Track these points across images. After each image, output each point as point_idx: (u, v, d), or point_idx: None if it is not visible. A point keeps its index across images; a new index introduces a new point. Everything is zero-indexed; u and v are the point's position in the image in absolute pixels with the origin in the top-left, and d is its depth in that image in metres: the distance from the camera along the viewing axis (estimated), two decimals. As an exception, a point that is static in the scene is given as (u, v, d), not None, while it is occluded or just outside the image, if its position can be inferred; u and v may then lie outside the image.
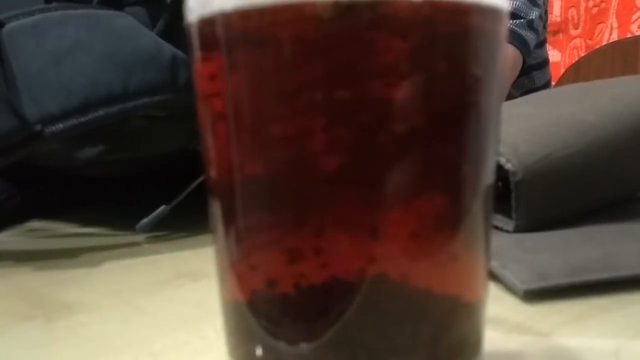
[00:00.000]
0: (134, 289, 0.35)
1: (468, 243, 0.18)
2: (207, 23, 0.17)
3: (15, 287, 0.36)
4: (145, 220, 0.46)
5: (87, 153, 0.46)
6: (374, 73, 0.16)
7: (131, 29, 0.43)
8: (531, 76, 1.17)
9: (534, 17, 1.05)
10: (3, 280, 0.38)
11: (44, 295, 0.35)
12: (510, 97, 1.05)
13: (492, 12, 0.17)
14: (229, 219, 0.18)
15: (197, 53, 0.18)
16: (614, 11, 1.86)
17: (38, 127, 0.39)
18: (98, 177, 0.55)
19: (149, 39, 0.43)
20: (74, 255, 0.43)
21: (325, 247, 0.17)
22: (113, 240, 0.47)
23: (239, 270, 0.19)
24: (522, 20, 1.04)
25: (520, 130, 0.41)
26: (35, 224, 0.54)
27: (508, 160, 0.38)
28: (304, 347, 0.18)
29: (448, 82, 0.17)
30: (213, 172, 0.19)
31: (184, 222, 0.47)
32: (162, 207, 0.46)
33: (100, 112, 0.41)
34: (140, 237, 0.47)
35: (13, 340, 0.28)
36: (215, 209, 0.19)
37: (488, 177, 0.19)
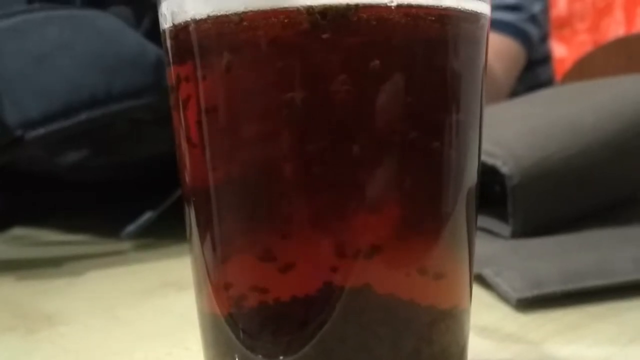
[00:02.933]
0: (117, 298, 0.34)
1: (449, 251, 0.18)
2: (180, 30, 0.17)
3: (-4, 297, 0.36)
4: (130, 226, 0.45)
5: (71, 158, 0.45)
6: (349, 79, 0.16)
7: (115, 30, 0.42)
8: (535, 72, 1.15)
9: (536, 11, 1.04)
10: (-17, 290, 0.37)
11: (25, 305, 0.34)
12: (513, 93, 1.04)
13: (470, 16, 0.17)
14: (204, 229, 0.18)
15: (170, 59, 0.18)
16: (621, 5, 1.83)
17: (19, 132, 0.39)
18: (82, 183, 0.54)
19: (133, 40, 0.42)
20: (56, 264, 0.42)
21: (302, 259, 0.16)
22: (97, 248, 0.46)
23: (215, 283, 0.18)
24: (524, 14, 1.02)
25: (516, 132, 0.40)
26: (17, 231, 0.54)
27: (504, 164, 0.37)
28: (282, 361, 0.17)
29: (426, 86, 0.16)
30: (187, 180, 0.18)
31: (170, 228, 0.45)
32: (148, 214, 0.45)
33: (83, 116, 0.40)
34: (125, 245, 0.46)
35: (-9, 352, 0.28)
36: (190, 218, 0.19)
37: (470, 180, 0.18)
